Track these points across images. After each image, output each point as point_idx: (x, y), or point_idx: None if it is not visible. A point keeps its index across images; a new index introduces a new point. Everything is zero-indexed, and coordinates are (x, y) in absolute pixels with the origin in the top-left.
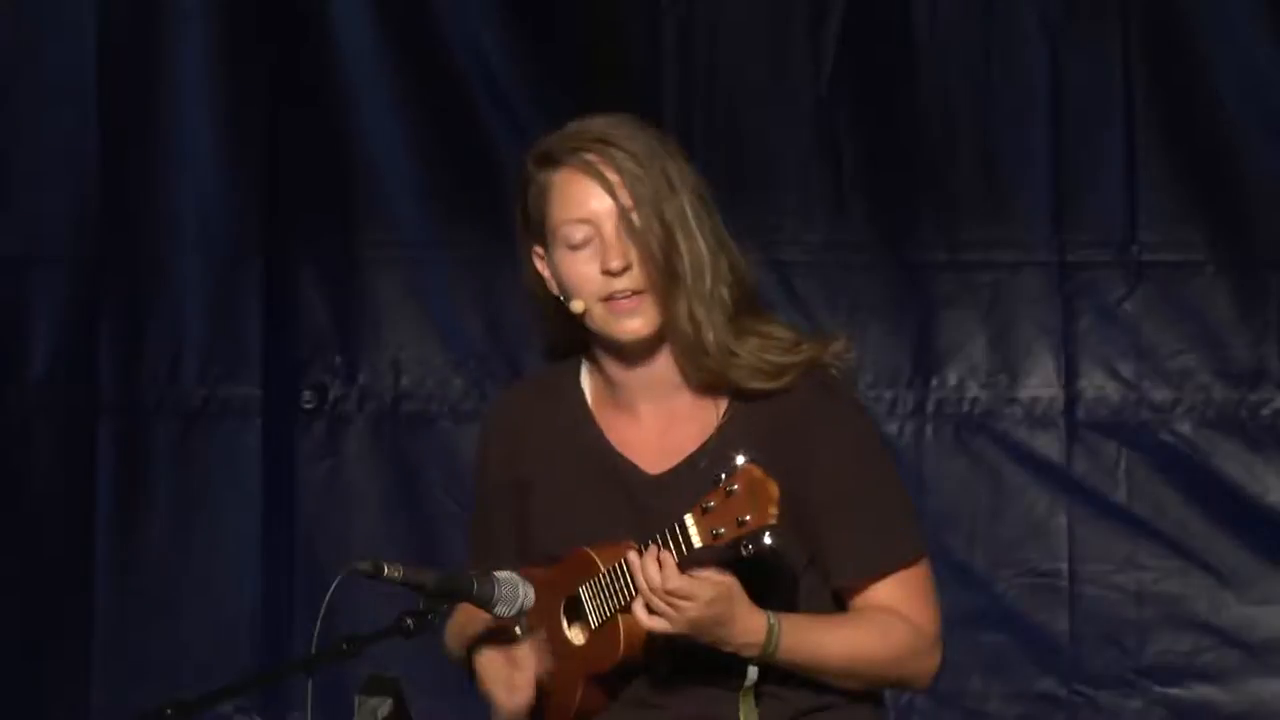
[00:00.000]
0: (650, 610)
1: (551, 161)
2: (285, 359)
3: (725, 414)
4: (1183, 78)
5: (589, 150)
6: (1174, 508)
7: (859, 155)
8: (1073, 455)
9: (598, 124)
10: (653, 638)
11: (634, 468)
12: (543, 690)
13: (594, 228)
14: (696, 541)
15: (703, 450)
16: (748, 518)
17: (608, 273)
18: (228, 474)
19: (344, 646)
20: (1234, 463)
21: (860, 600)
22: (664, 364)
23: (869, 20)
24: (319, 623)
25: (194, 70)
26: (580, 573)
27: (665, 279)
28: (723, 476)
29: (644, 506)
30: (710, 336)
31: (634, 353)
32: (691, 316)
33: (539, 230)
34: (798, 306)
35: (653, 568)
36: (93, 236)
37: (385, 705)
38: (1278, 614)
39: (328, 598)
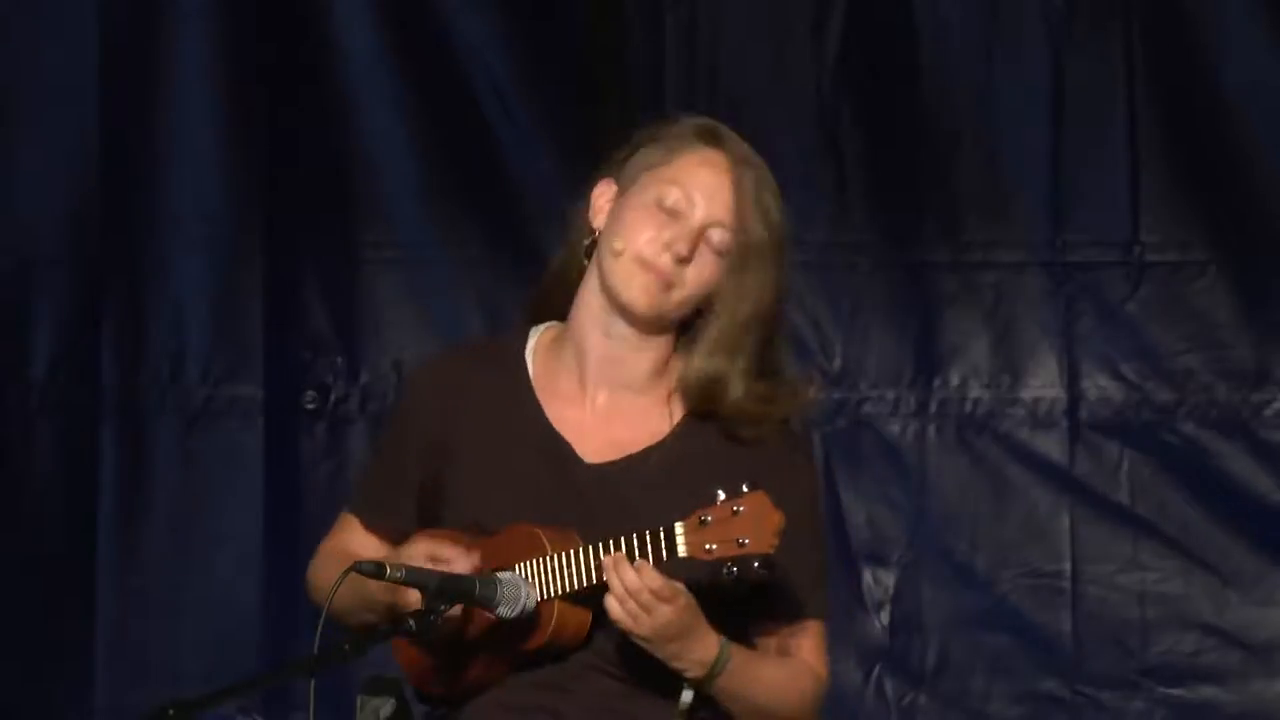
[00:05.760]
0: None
1: (712, 138)
2: (287, 359)
3: (679, 424)
4: (1185, 78)
5: (752, 167)
6: (1176, 508)
7: (861, 155)
8: (1075, 456)
9: (757, 158)
10: (579, 634)
11: (571, 451)
12: (434, 649)
13: (691, 211)
14: (682, 551)
15: (653, 450)
16: (747, 541)
17: (668, 249)
18: (229, 474)
19: (346, 647)
20: (1236, 463)
21: (770, 641)
22: (645, 366)
23: (871, 20)
24: (321, 623)
25: (194, 70)
26: (521, 550)
27: (725, 321)
28: (721, 495)
29: (585, 495)
30: (726, 392)
31: (624, 336)
32: (717, 366)
33: (632, 169)
34: (799, 307)
35: (629, 569)
36: (93, 236)
37: (387, 705)
38: None
39: (330, 598)
